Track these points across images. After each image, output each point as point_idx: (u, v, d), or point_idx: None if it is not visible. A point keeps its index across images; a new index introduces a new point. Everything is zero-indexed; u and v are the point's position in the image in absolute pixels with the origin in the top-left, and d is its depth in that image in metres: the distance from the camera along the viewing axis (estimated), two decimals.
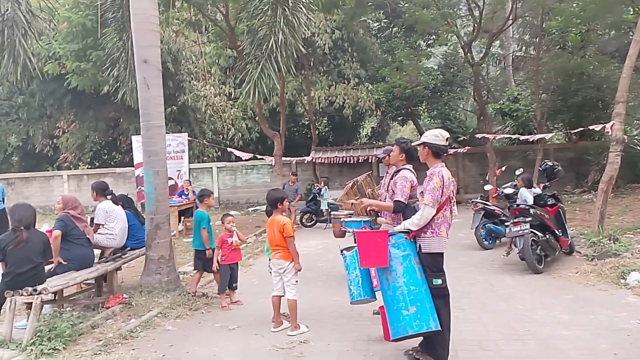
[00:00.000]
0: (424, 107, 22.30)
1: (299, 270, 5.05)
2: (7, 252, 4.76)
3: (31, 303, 4.77)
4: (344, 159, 17.12)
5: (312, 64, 19.05)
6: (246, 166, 19.60)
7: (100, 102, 19.48)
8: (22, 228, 4.89)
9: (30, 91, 21.39)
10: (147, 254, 6.59)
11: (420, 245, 4.01)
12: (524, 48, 21.83)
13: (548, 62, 17.05)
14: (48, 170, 21.74)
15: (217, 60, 20.96)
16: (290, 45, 9.67)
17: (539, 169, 11.13)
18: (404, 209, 4.64)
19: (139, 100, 6.67)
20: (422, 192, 4.11)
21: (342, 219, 6.40)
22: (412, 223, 3.96)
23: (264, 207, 17.31)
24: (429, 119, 24.00)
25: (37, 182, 20.30)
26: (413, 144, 4.40)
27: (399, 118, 22.56)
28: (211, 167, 19.77)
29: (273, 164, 17.05)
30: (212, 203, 6.56)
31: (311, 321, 5.19)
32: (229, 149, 18.91)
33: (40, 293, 4.74)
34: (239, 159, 19.41)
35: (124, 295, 6.08)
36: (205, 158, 21.03)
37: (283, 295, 5.04)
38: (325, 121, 24.85)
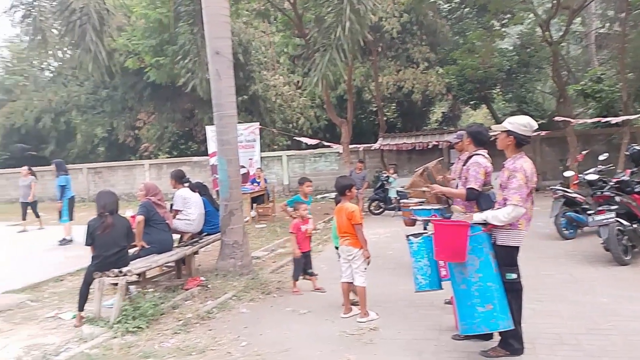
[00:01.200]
0: (498, 90, 21.38)
1: (368, 257, 5.05)
2: (95, 236, 5.13)
3: (117, 284, 5.13)
4: (413, 145, 16.80)
5: (379, 50, 18.77)
6: (314, 154, 19.80)
7: (176, 94, 20.41)
8: (107, 214, 5.23)
9: (113, 85, 22.82)
10: (222, 239, 6.86)
11: (496, 237, 3.85)
12: (607, 24, 20.23)
13: (635, 39, 15.70)
14: (131, 160, 23.13)
15: (285, 49, 21.23)
16: (357, 33, 9.57)
17: (625, 153, 10.32)
18: (477, 197, 4.47)
19: (211, 91, 6.91)
20: (501, 185, 3.90)
21: (411, 207, 6.27)
22: (496, 218, 3.76)
23: (332, 195, 17.52)
24: (504, 102, 22.99)
25: (121, 171, 21.69)
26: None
27: (472, 102, 21.79)
28: (281, 156, 20.16)
29: (341, 152, 17.09)
30: (307, 190, 6.49)
31: (380, 308, 5.18)
32: (297, 137, 19.18)
33: (125, 275, 5.08)
34: (307, 147, 19.66)
35: (201, 278, 6.38)
36: (275, 146, 21.48)
37: (352, 282, 5.06)
38: (393, 107, 24.50)
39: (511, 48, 20.92)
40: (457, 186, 5.04)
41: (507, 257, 3.82)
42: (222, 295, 5.87)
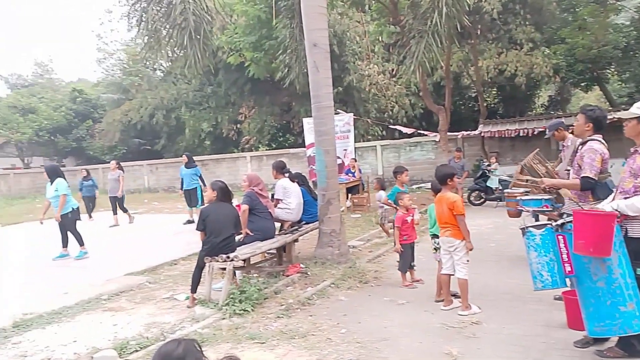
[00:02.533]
0: (612, 69, 19.46)
1: (470, 249, 4.87)
2: (206, 223, 5.49)
3: (225, 268, 5.46)
4: (517, 131, 15.84)
5: (479, 32, 17.89)
6: (410, 143, 19.46)
7: (275, 89, 21.10)
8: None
9: (217, 82, 24.15)
10: (320, 227, 7.02)
11: (627, 228, 3.50)
12: None
13: None
14: (233, 152, 24.37)
15: (380, 38, 21.02)
16: (454, 17, 9.20)
17: None
18: (593, 186, 4.11)
19: (309, 83, 7.05)
20: (630, 172, 3.54)
21: (518, 197, 5.93)
22: (633, 207, 3.41)
23: (428, 185, 17.12)
24: (619, 83, 20.90)
25: (225, 163, 22.95)
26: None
27: (582, 84, 20.09)
28: (375, 146, 20.07)
29: (438, 140, 16.63)
30: (405, 179, 6.41)
31: (483, 302, 4.99)
32: (392, 126, 18.97)
33: (232, 260, 5.39)
34: (402, 136, 19.36)
35: (301, 265, 6.58)
36: (369, 137, 21.43)
37: (453, 274, 4.93)
38: (494, 92, 23.32)
39: (628, 23, 18.88)
40: (568, 175, 4.69)
41: (638, 251, 3.47)
42: (321, 283, 6.01)
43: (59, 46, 76.75)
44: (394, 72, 21.65)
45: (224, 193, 5.77)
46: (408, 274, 5.99)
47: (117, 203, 13.14)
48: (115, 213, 13.17)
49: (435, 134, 17.37)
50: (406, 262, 5.92)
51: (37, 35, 79.03)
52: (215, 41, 19.01)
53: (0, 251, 10.26)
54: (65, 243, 8.71)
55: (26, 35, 79.04)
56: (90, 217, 14.36)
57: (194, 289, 5.57)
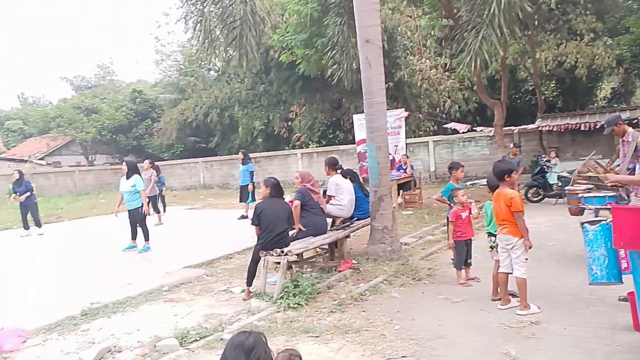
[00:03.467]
0: None
1: (529, 247, 4.72)
2: (261, 218, 5.62)
3: (280, 262, 5.56)
4: (577, 125, 15.15)
5: (536, 23, 17.20)
6: (463, 139, 19.01)
7: (325, 86, 21.18)
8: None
9: (269, 80, 24.51)
10: (372, 224, 7.00)
11: None
12: None
13: None
14: (285, 150, 24.67)
15: (432, 32, 20.64)
16: (515, 6, 8.88)
17: None
18: None
19: (362, 79, 7.04)
20: None
21: (580, 195, 5.69)
22: None
23: (482, 181, 16.67)
24: None
25: (277, 160, 23.30)
26: None
27: None
28: (427, 141, 19.74)
29: (493, 135, 16.15)
30: (460, 176, 6.29)
31: (543, 302, 4.83)
32: (445, 123, 18.60)
33: (286, 254, 5.48)
34: (455, 131, 18.95)
35: (353, 261, 6.60)
36: (421, 132, 21.11)
37: (511, 273, 4.79)
38: (552, 85, 22.36)
39: None
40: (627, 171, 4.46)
41: None
42: (373, 279, 6.01)
43: (119, 49, 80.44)
44: (446, 67, 21.22)
45: (277, 189, 5.89)
46: (463, 272, 5.88)
47: (151, 202, 12.62)
48: (157, 212, 13.24)
49: (490, 129, 16.88)
50: (460, 259, 5.81)
51: (99, 39, 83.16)
52: (267, 40, 19.35)
53: (68, 244, 10.90)
54: (134, 235, 9.18)
55: (89, 39, 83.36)
56: (156, 212, 14.94)
57: (249, 282, 5.71)
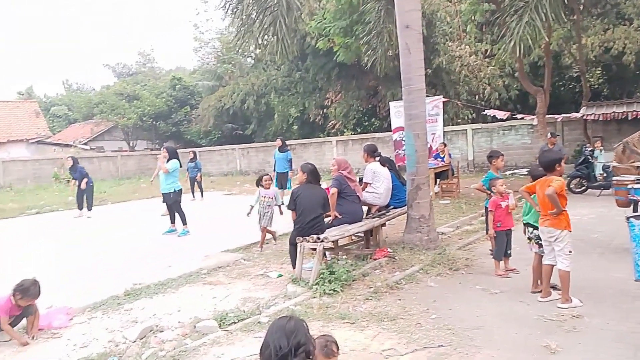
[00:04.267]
0: None
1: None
2: (297, 202, 5.68)
3: (315, 249, 5.60)
4: (624, 114, 14.52)
5: (582, 7, 16.48)
6: (503, 127, 18.54)
7: (361, 73, 21.01)
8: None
9: (305, 67, 24.48)
10: (409, 212, 6.95)
11: None
12: None
13: None
14: (320, 137, 24.71)
15: (472, 17, 20.08)
16: None
17: None
18: None
19: (400, 65, 6.93)
20: None
21: (629, 186, 5.46)
22: None
23: (522, 171, 16.25)
24: None
25: (312, 147, 23.37)
26: None
27: None
28: (465, 130, 19.36)
29: (534, 123, 15.68)
30: (500, 165, 6.16)
31: (585, 295, 4.70)
32: (486, 112, 18.16)
33: (322, 241, 5.52)
34: (495, 119, 18.49)
35: (389, 250, 6.58)
36: (459, 120, 20.71)
37: (555, 264, 4.67)
38: (598, 72, 21.47)
39: None
40: None
41: None
42: (409, 268, 5.98)
43: (159, 36, 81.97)
44: (487, 53, 20.66)
45: (314, 175, 5.97)
46: (502, 263, 5.77)
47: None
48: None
49: (531, 117, 16.38)
50: (500, 250, 5.70)
51: (140, 26, 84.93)
52: (304, 27, 19.28)
53: (113, 227, 11.29)
54: (172, 219, 9.45)
55: (130, 27, 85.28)
56: (194, 197, 15.28)
57: (294, 265, 5.80)
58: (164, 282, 5.98)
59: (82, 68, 78.22)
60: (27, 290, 4.35)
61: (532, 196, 4.89)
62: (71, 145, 29.52)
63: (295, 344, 1.85)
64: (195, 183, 15.55)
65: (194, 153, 16.22)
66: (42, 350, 4.23)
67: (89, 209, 13.14)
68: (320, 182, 6.26)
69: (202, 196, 15.56)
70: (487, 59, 20.60)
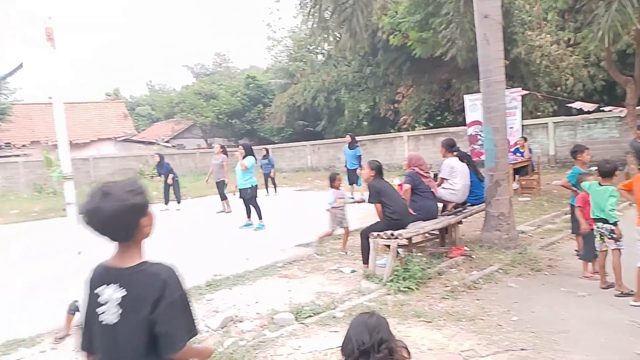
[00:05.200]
0: None
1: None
2: (381, 195, 5.75)
3: (389, 245, 5.57)
4: None
5: None
6: (588, 120, 17.35)
7: (434, 66, 20.52)
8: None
9: (376, 62, 24.30)
10: (487, 210, 6.72)
11: None
12: None
13: None
14: (390, 132, 24.43)
15: (553, 4, 18.97)
16: None
17: None
18: None
19: (478, 57, 6.70)
20: None
21: None
22: None
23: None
24: None
25: (382, 143, 23.16)
26: None
27: None
28: (546, 123, 18.33)
29: (622, 115, 14.57)
30: (586, 159, 5.83)
31: None
32: (567, 103, 17.11)
33: (396, 238, 5.48)
34: (581, 111, 17.36)
35: (465, 248, 6.40)
36: (539, 113, 19.65)
37: None
38: None
39: None
40: None
41: None
42: (487, 267, 5.79)
43: (234, 36, 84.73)
44: (569, 42, 19.43)
45: (381, 172, 6.06)
46: (590, 264, 5.44)
47: (221, 189, 12.54)
48: (222, 198, 12.67)
49: (620, 109, 15.22)
50: (590, 250, 5.35)
51: (216, 28, 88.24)
52: (376, 21, 19.11)
53: (195, 220, 11.87)
54: (249, 214, 9.80)
55: (207, 29, 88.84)
56: (267, 193, 15.76)
57: (365, 259, 5.84)
58: (242, 274, 6.21)
59: (164, 69, 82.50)
60: None
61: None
62: (154, 143, 31.32)
63: (377, 340, 1.86)
64: (269, 179, 16.00)
65: (267, 150, 16.70)
66: None
67: (178, 202, 13.93)
68: (393, 179, 6.23)
69: (275, 192, 15.97)
70: (569, 48, 19.38)
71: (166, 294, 1.74)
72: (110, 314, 1.76)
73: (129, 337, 1.75)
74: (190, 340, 1.82)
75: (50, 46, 4.41)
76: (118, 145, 30.47)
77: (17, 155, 25.64)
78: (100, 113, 32.93)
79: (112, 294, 1.76)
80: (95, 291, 1.80)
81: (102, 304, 1.77)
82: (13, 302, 5.87)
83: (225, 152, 12.55)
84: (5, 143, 26.65)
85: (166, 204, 13.72)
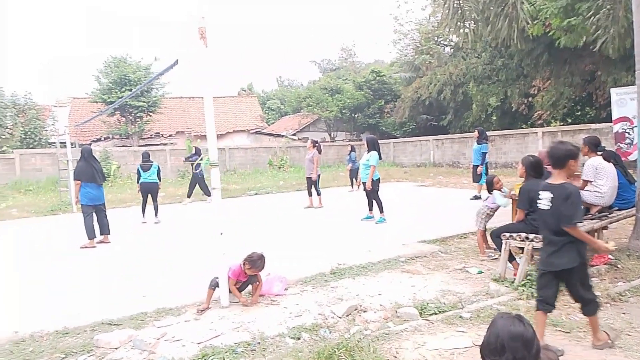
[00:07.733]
0: None
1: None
2: (530, 201, 5.34)
3: (523, 248, 5.26)
4: None
5: None
6: None
7: (576, 56, 18.79)
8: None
9: (509, 53, 22.87)
10: (637, 215, 6.04)
11: None
12: None
13: None
14: (522, 128, 22.90)
15: None
16: None
17: None
18: None
19: (634, 45, 6.00)
20: None
21: None
22: None
23: None
24: None
25: (513, 139, 21.81)
26: None
27: None
28: None
29: None
30: None
31: None
32: None
33: (532, 240, 5.15)
34: None
35: (610, 256, 5.81)
36: None
37: None
38: None
39: None
40: None
41: None
42: (635, 279, 5.20)
43: (360, 31, 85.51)
44: None
45: (534, 168, 5.47)
46: None
47: (310, 184, 12.54)
48: (309, 194, 12.65)
49: None
50: None
51: (342, 23, 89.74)
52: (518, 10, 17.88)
53: (318, 210, 12.32)
54: (370, 207, 9.90)
55: (334, 24, 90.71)
56: (352, 188, 16.01)
57: (498, 247, 5.66)
58: (365, 266, 6.31)
59: (293, 65, 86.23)
60: (255, 262, 5.03)
61: None
62: (282, 136, 32.91)
63: (534, 354, 1.81)
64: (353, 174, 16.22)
65: (352, 147, 17.11)
66: (263, 313, 4.86)
67: (318, 194, 13.25)
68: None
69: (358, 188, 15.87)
70: None
71: (570, 197, 3.43)
72: (544, 204, 3.60)
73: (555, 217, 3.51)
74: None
75: (203, 44, 4.83)
76: (250, 137, 32.61)
77: (165, 144, 28.69)
78: (236, 107, 35.48)
79: (547, 196, 3.56)
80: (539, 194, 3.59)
81: (541, 199, 3.60)
82: (163, 272, 6.63)
83: (317, 148, 12.51)
84: (155, 133, 29.91)
85: (318, 194, 12.93)
